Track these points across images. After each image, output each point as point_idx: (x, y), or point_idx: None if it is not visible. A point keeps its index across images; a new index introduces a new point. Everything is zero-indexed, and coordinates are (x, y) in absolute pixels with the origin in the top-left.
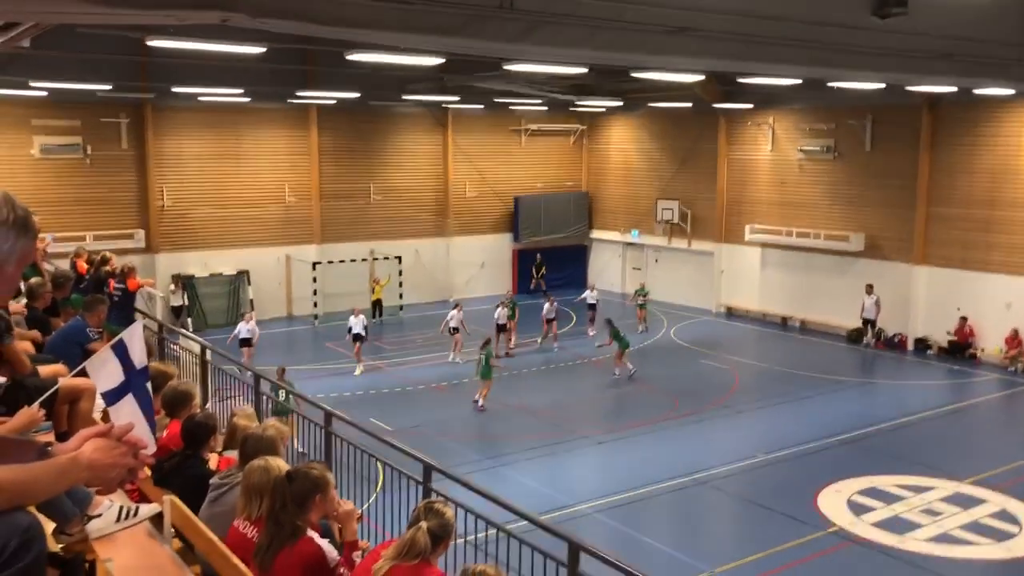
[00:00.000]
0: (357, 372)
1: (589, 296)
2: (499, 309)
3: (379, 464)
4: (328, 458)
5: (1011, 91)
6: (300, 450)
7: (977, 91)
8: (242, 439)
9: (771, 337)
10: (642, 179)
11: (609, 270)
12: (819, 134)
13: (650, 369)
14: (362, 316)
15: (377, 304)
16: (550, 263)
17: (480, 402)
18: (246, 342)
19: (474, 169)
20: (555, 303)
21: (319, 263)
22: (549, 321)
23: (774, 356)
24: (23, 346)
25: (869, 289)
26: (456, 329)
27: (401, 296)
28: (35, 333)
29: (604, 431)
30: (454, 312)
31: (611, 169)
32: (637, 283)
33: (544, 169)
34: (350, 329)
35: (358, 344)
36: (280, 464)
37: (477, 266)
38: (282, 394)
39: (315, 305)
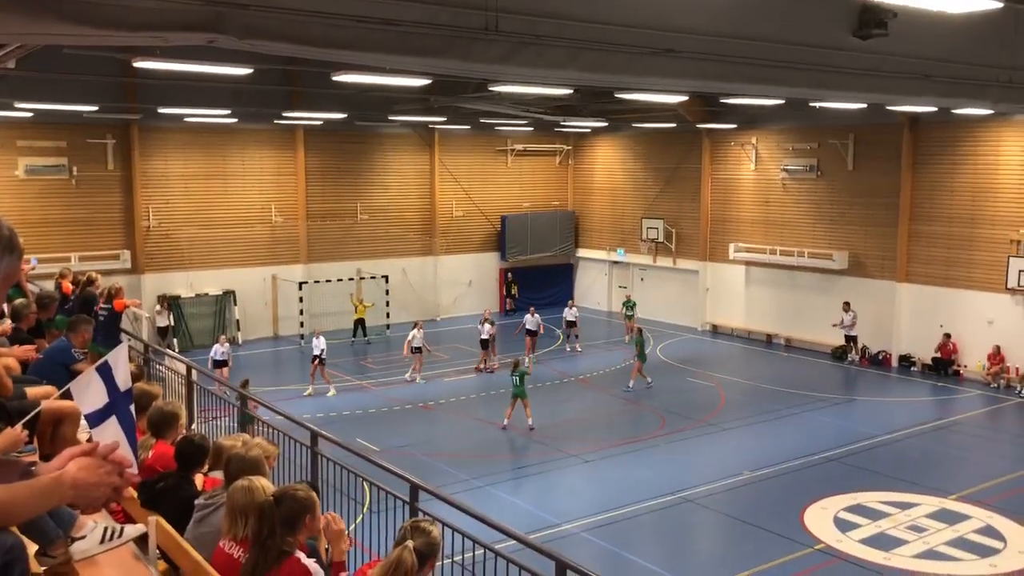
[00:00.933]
0: (308, 392)
1: (568, 313)
2: (485, 326)
3: (365, 484)
4: (314, 478)
5: (989, 111)
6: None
7: (956, 111)
8: (227, 459)
9: (756, 354)
10: (627, 198)
11: (595, 289)
12: (802, 153)
13: (637, 387)
14: (322, 338)
15: (360, 323)
16: (536, 282)
17: (529, 422)
18: (221, 364)
19: (461, 188)
20: (537, 315)
21: (305, 283)
22: (530, 333)
23: (759, 373)
24: (7, 363)
25: (846, 306)
26: (419, 349)
27: (388, 315)
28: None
29: (591, 450)
30: (415, 332)
31: (597, 188)
32: (624, 296)
33: (530, 189)
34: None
35: (315, 364)
36: (264, 484)
37: (464, 285)
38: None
39: (301, 325)
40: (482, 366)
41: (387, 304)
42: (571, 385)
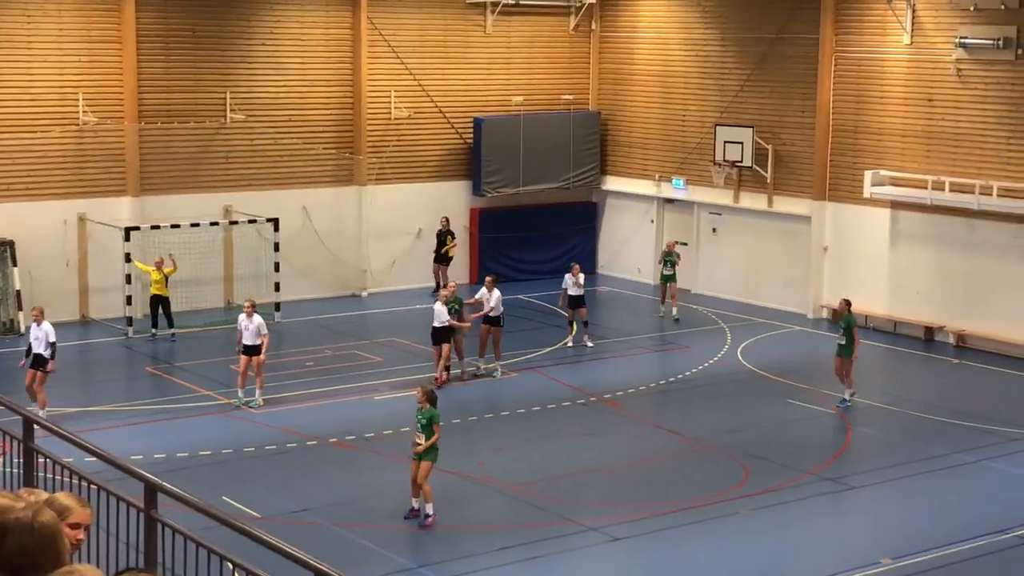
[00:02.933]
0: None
1: (570, 283)
2: (437, 305)
3: (236, 574)
4: (150, 560)
5: None
6: None
7: None
8: (1, 529)
9: (907, 360)
10: (691, 92)
11: (634, 246)
12: (991, 17)
13: (700, 415)
14: (46, 325)
15: (160, 303)
16: (534, 234)
17: (416, 506)
18: None
19: (406, 70)
20: (496, 289)
21: (136, 229)
22: (490, 324)
23: (912, 392)
24: None
25: None
26: (255, 349)
27: (277, 287)
28: None
29: (623, 520)
30: (242, 318)
31: (639, 74)
32: (665, 246)
33: (525, 73)
34: (29, 349)
35: (33, 372)
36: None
37: (411, 236)
38: None
39: (129, 301)
40: (444, 376)
41: (275, 268)
42: (591, 410)
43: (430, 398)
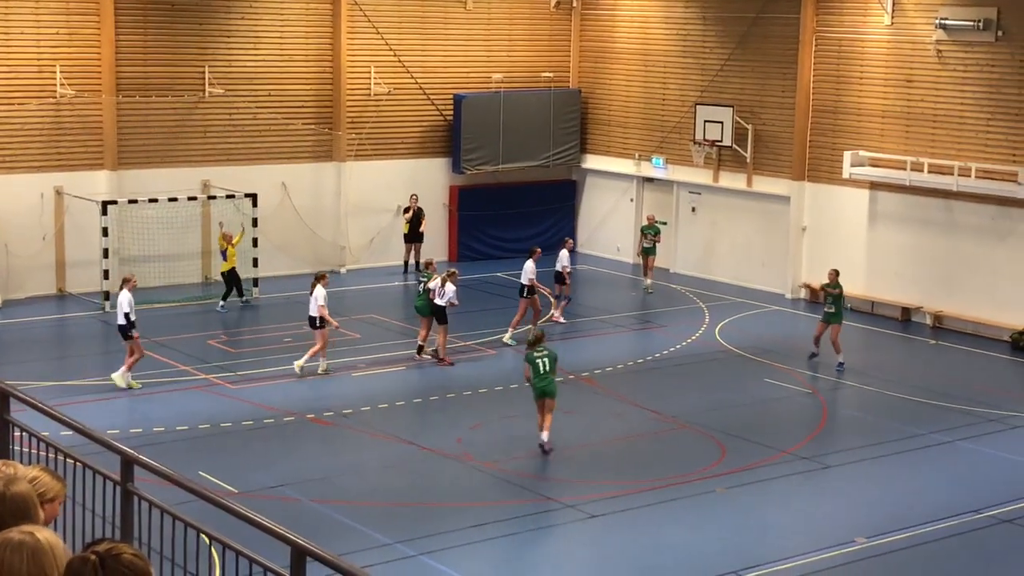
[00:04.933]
0: (124, 381)
1: (560, 261)
2: (447, 287)
3: (213, 550)
4: (127, 534)
5: None
6: None
7: None
8: None
9: (884, 341)
10: (672, 71)
11: (613, 225)
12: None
13: (678, 394)
14: (126, 294)
15: (231, 277)
16: (513, 212)
17: (545, 436)
18: None
19: (386, 46)
20: (530, 262)
21: (113, 203)
22: (530, 293)
23: (889, 373)
24: None
25: None
26: (323, 321)
27: (256, 264)
28: None
29: (599, 497)
30: (320, 289)
31: (620, 53)
32: (645, 220)
33: (506, 51)
34: (127, 317)
35: (131, 341)
36: (48, 539)
37: (389, 212)
38: None
39: (106, 276)
40: (434, 350)
41: (254, 243)
42: (569, 388)
43: (541, 339)
